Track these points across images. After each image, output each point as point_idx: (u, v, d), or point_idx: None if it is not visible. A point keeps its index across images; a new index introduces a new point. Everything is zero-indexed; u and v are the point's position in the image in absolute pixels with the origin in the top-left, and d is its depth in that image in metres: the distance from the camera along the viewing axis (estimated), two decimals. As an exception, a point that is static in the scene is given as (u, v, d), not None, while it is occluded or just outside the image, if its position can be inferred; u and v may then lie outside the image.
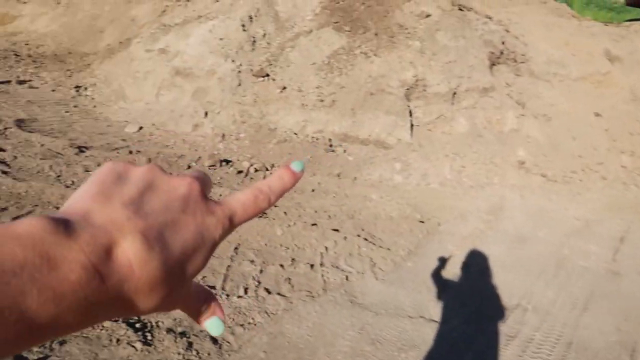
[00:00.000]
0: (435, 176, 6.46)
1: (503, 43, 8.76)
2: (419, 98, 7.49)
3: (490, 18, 9.20)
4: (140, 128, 7.10)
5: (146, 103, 8.02)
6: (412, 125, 7.16)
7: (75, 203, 0.37)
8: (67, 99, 8.57)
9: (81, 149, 5.63)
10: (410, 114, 7.33)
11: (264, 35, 8.31)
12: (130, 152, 5.71)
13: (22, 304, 0.28)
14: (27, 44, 15.06)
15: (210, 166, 5.80)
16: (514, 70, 8.78)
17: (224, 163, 5.95)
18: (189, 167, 5.76)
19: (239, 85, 7.22)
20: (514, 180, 6.59)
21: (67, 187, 4.25)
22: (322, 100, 7.07)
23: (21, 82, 9.37)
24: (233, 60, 7.52)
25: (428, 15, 8.77)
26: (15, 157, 4.94)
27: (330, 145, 6.59)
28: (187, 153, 6.24)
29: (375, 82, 7.28)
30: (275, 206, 4.69)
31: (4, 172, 4.47)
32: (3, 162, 4.78)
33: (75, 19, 16.96)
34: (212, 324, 0.46)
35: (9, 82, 9.28)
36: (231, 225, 0.43)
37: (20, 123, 6.52)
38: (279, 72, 7.56)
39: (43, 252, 0.29)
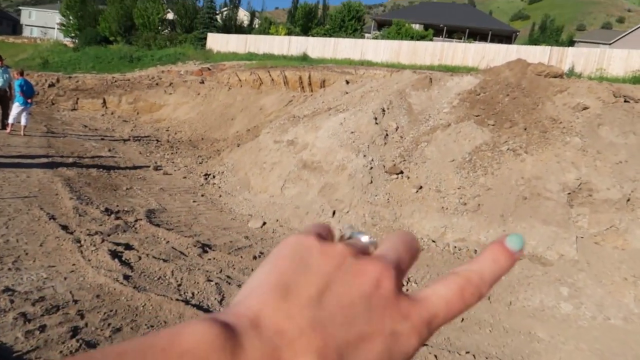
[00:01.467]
0: (616, 308, 5.07)
1: (685, 140, 7.27)
2: (583, 204, 6.25)
3: (663, 110, 7.81)
4: (264, 224, 6.72)
5: (270, 195, 7.74)
6: (576, 238, 5.90)
7: (250, 298, 0.32)
8: (196, 187, 8.65)
9: (204, 249, 5.27)
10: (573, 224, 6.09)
11: (397, 128, 7.78)
12: (255, 258, 5.20)
13: None
14: (167, 130, 16.34)
15: (338, 277, 5.07)
16: (701, 173, 7.17)
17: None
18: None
19: (371, 182, 6.62)
20: None
21: (187, 302, 3.77)
22: (464, 204, 6.16)
23: (157, 168, 9.78)
24: (365, 155, 7.01)
25: (585, 108, 7.66)
26: (140, 258, 4.66)
27: (477, 259, 5.56)
28: (312, 257, 5.61)
29: (528, 184, 6.24)
30: (425, 345, 3.76)
31: (127, 277, 4.14)
32: (128, 263, 4.51)
33: (210, 107, 18.31)
34: None
35: (147, 167, 9.74)
36: (429, 332, 0.33)
37: (150, 214, 6.47)
38: (414, 169, 6.86)
39: None
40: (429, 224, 6.06)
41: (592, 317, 4.92)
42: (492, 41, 42.38)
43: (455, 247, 5.77)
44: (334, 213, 6.38)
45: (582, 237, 6.11)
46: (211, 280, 4.33)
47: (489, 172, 6.55)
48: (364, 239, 0.37)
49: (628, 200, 6.38)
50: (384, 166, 6.90)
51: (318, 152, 7.56)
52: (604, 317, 4.95)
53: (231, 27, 40.19)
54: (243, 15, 47.06)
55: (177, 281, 4.29)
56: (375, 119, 7.77)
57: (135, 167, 9.64)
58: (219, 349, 0.28)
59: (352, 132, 7.55)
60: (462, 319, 4.47)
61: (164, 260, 4.73)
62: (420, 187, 6.48)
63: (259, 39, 31.68)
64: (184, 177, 9.33)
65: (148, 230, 5.75)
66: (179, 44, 34.47)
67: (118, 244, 5.04)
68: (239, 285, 4.38)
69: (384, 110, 8.07)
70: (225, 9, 45.44)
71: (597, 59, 21.91)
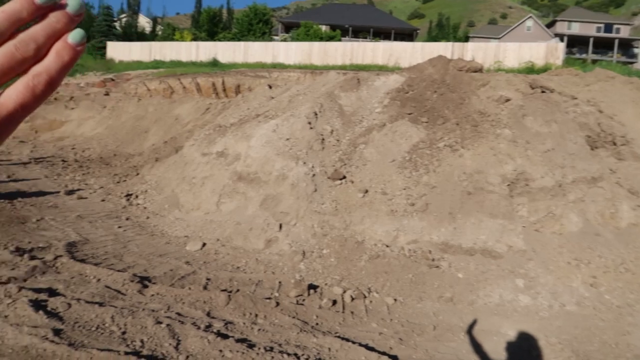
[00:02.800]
0: (568, 294, 5.21)
1: (599, 125, 7.78)
2: (522, 194, 6.43)
3: (575, 98, 8.33)
4: (204, 245, 6.18)
5: (205, 212, 7.17)
6: (522, 228, 6.03)
7: None
8: (118, 210, 7.82)
9: (144, 283, 4.67)
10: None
11: (332, 132, 7.56)
12: (205, 288, 4.69)
13: None
14: (73, 148, 14.90)
15: (298, 296, 4.73)
16: (614, 154, 7.72)
17: (311, 290, 4.88)
18: (269, 298, 4.70)
19: (315, 190, 6.33)
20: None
21: (138, 355, 3.21)
22: (412, 204, 6.07)
23: (69, 192, 8.76)
24: (304, 162, 6.70)
25: (508, 100, 7.95)
26: (69, 306, 3.97)
27: (433, 260, 5.48)
28: (264, 277, 5.21)
29: (471, 179, 6.30)
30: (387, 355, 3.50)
31: (57, 332, 3.48)
32: (56, 314, 3.82)
33: (120, 120, 17.01)
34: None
35: (57, 192, 8.69)
36: (4, 122, 0.38)
37: (71, 248, 5.68)
38: (357, 173, 6.67)
39: None
40: (380, 228, 5.89)
41: (549, 306, 5.01)
42: (395, 39, 44.02)
43: (409, 249, 5.65)
44: (280, 226, 6.00)
45: (524, 227, 6.27)
46: (160, 322, 3.79)
47: (430, 170, 6.53)
48: None
49: (560, 186, 6.66)
50: (326, 172, 6.65)
51: (253, 162, 7.13)
52: (560, 304, 5.06)
53: (132, 34, 37.99)
54: (144, 22, 44.73)
55: (120, 328, 3.69)
56: (309, 123, 7.49)
57: (43, 194, 8.55)
58: None
59: (287, 139, 7.20)
60: (434, 327, 4.32)
61: (100, 304, 4.09)
62: (366, 191, 6.30)
63: (164, 45, 30.21)
64: (103, 200, 8.43)
65: (72, 268, 5.01)
66: (75, 54, 31.88)
67: (39, 291, 4.29)
68: (194, 324, 3.88)
69: (316, 114, 7.81)
70: (124, 15, 42.88)
71: (494, 52, 23.38)
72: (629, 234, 6.49)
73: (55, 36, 0.38)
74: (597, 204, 6.73)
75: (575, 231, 6.38)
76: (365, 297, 4.86)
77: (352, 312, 4.53)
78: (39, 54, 0.38)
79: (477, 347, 4.02)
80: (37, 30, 0.38)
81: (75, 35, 0.39)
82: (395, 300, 4.84)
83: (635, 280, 5.61)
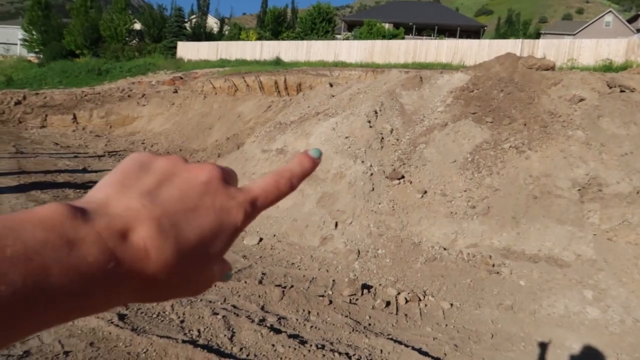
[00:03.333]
0: (644, 308, 4.82)
1: (685, 127, 7.14)
2: (594, 200, 6.03)
3: (659, 98, 7.68)
4: (261, 240, 6.28)
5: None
6: (592, 236, 5.66)
7: (96, 193, 0.38)
8: (181, 204, 8.14)
9: (202, 275, 4.81)
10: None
11: (392, 131, 7.45)
12: (260, 282, 4.77)
13: (45, 281, 0.29)
14: (143, 143, 15.69)
15: (351, 295, 4.69)
16: (702, 160, 7.05)
17: (365, 290, 4.82)
18: (322, 296, 4.69)
19: (372, 189, 6.26)
20: None
21: (194, 344, 3.31)
22: (473, 207, 5.86)
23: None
24: (363, 161, 6.64)
25: (582, 99, 7.47)
26: (133, 292, 4.17)
27: (493, 265, 5.25)
28: (318, 275, 5.21)
29: (537, 182, 5.98)
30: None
31: (122, 317, 3.66)
32: (120, 299, 4.03)
33: (186, 117, 17.70)
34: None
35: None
36: (253, 210, 0.42)
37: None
38: (415, 173, 6.53)
39: (63, 234, 0.31)
40: (438, 230, 5.73)
41: (621, 321, 4.66)
42: (460, 37, 42.74)
43: (468, 253, 5.45)
44: (336, 225, 5.99)
45: (595, 235, 5.88)
46: (217, 314, 3.88)
47: (494, 172, 6.27)
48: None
49: (637, 192, 6.18)
50: (384, 171, 6.56)
51: (311, 160, 7.16)
52: (633, 319, 4.70)
53: (201, 34, 39.41)
54: (212, 23, 46.29)
55: (179, 317, 3.83)
56: (369, 122, 7.42)
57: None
58: (71, 216, 0.32)
59: (346, 137, 7.17)
60: (492, 336, 4.14)
61: (161, 292, 4.26)
62: (425, 192, 6.15)
63: (230, 45, 31.11)
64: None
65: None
66: (148, 54, 33.57)
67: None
68: (249, 317, 3.95)
69: (376, 113, 7.73)
70: (194, 16, 44.55)
71: (568, 49, 22.15)
72: None
73: (304, 174, 0.47)
74: (681, 213, 6.18)
75: (654, 242, 5.90)
76: (420, 300, 4.74)
77: (405, 315, 4.44)
78: (293, 187, 0.46)
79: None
80: (292, 169, 0.46)
81: (314, 151, 0.48)
82: (451, 305, 4.69)
83: None
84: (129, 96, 19.19)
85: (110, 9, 38.67)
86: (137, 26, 39.23)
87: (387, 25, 39.00)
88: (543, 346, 4.07)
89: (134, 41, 37.81)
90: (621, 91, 7.59)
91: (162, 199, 0.38)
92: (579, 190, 5.98)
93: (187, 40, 35.08)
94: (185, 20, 39.51)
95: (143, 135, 16.74)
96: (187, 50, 32.18)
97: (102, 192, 0.38)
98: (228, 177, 0.44)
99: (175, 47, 33.22)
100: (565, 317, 4.68)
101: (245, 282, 4.74)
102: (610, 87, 7.72)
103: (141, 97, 18.96)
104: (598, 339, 4.28)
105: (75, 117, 17.75)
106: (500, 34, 58.41)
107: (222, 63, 27.90)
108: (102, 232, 0.33)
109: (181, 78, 23.83)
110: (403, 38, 34.46)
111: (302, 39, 34.14)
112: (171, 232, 0.36)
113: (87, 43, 35.89)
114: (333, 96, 9.66)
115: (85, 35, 35.66)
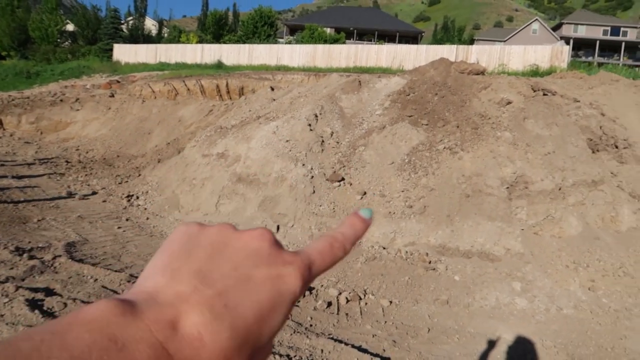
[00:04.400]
0: (566, 297, 5.18)
1: (600, 128, 7.74)
2: (521, 197, 6.40)
3: (578, 101, 8.28)
4: (202, 246, 6.19)
5: (204, 214, 7.19)
6: (520, 231, 6.00)
7: (145, 281, 0.36)
8: (118, 211, 7.86)
9: (140, 283, 4.68)
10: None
11: (332, 134, 7.56)
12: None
13: None
14: (77, 149, 14.99)
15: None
16: (616, 158, 7.67)
17: (306, 292, 4.87)
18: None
19: (313, 192, 6.33)
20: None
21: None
22: (410, 207, 6.06)
23: (71, 194, 8.81)
24: (303, 164, 6.70)
25: (509, 102, 7.92)
26: (65, 305, 4.00)
27: (429, 262, 5.46)
28: (261, 278, 5.20)
29: (469, 181, 6.27)
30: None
31: (51, 331, 3.50)
32: (51, 313, 3.84)
33: (124, 122, 17.09)
34: None
35: (59, 192, 8.75)
36: (310, 275, 0.40)
37: (70, 248, 5.71)
38: (355, 175, 6.66)
39: (110, 335, 0.30)
40: (377, 230, 5.88)
41: (546, 310, 4.98)
42: (400, 42, 44.01)
43: (406, 252, 5.64)
44: (278, 228, 6.01)
45: (522, 230, 6.24)
46: (155, 322, 3.80)
47: (429, 172, 6.51)
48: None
49: (559, 189, 6.63)
50: (325, 174, 6.65)
51: (253, 163, 7.14)
52: (557, 307, 5.03)
53: (139, 37, 38.19)
54: (150, 25, 44.97)
55: (114, 327, 3.70)
56: (309, 125, 7.50)
57: (45, 194, 8.61)
58: (120, 314, 0.31)
59: (287, 141, 7.21)
60: (429, 330, 4.31)
61: (95, 303, 4.10)
62: (365, 193, 6.30)
63: (170, 48, 30.35)
64: (104, 201, 8.47)
65: (70, 268, 5.03)
66: (82, 56, 32.11)
67: (36, 290, 4.32)
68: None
69: (316, 116, 7.82)
70: (131, 18, 43.12)
71: (499, 55, 23.30)
72: (629, 238, 6.44)
73: (356, 237, 0.46)
74: (598, 208, 6.69)
75: (575, 235, 6.35)
76: (360, 299, 4.84)
77: (346, 314, 4.53)
78: (346, 252, 0.45)
79: (471, 350, 4.00)
80: (345, 232, 0.45)
81: (366, 212, 0.47)
82: (390, 302, 4.83)
83: (634, 284, 5.56)
84: (61, 100, 18.29)
85: (40, 8, 36.69)
86: (70, 27, 37.46)
87: (328, 30, 39.50)
88: (476, 337, 4.28)
89: (67, 43, 36.06)
90: (544, 94, 8.11)
91: (214, 277, 0.36)
92: (507, 188, 6.33)
93: (124, 42, 33.89)
94: (122, 21, 38.17)
95: (77, 142, 16.00)
96: (124, 52, 31.09)
97: (151, 280, 0.36)
98: (277, 243, 0.42)
99: (111, 50, 32.00)
100: (497, 308, 4.94)
101: (185, 289, 4.67)
102: (535, 91, 8.24)
103: (75, 102, 18.13)
104: (526, 327, 4.55)
105: (1, 123, 16.71)
106: (437, 40, 60.58)
107: (162, 66, 27.17)
108: (152, 326, 0.31)
109: (118, 82, 22.99)
110: (344, 43, 35.03)
111: (244, 42, 33.89)
112: (226, 315, 0.34)
113: (14, 44, 33.87)
114: (274, 100, 9.68)
115: (12, 36, 33.63)
